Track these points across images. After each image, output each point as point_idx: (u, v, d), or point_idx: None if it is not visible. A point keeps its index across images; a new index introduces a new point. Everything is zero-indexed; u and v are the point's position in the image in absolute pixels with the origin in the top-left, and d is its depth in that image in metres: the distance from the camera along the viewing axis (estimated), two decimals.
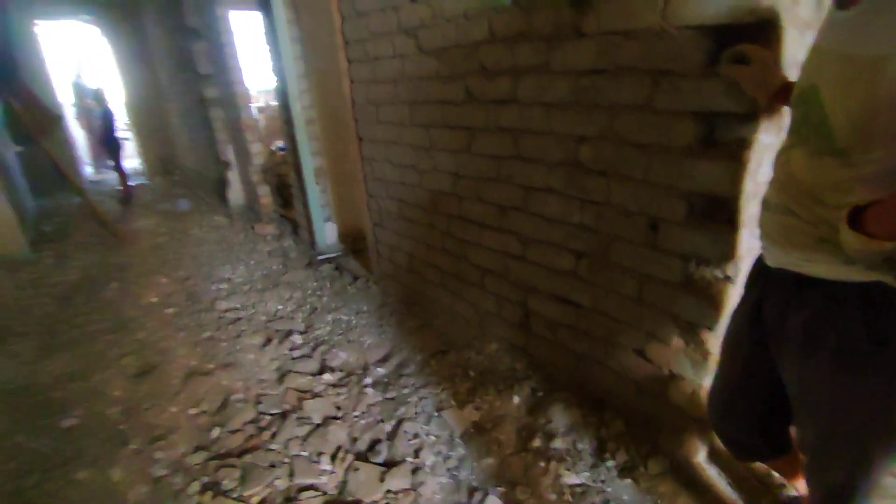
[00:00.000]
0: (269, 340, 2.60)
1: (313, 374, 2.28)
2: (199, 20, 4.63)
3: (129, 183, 6.13)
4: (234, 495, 1.64)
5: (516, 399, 1.95)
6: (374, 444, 1.83)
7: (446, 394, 2.04)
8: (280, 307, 2.98)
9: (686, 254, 1.38)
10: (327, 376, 2.25)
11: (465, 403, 1.97)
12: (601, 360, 1.78)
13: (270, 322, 2.80)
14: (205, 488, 1.68)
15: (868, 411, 0.86)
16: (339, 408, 2.04)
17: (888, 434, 0.87)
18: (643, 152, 1.41)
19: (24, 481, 1.75)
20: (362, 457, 1.78)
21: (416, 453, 1.77)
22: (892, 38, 0.70)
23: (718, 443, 1.37)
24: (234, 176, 5.17)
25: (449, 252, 2.42)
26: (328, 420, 1.96)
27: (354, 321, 2.74)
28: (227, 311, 2.97)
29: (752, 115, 1.16)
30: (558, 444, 1.71)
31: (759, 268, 1.05)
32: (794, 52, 1.13)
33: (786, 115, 1.14)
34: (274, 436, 1.90)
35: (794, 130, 0.92)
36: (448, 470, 1.70)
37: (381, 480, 1.67)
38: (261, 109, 6.76)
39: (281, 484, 1.68)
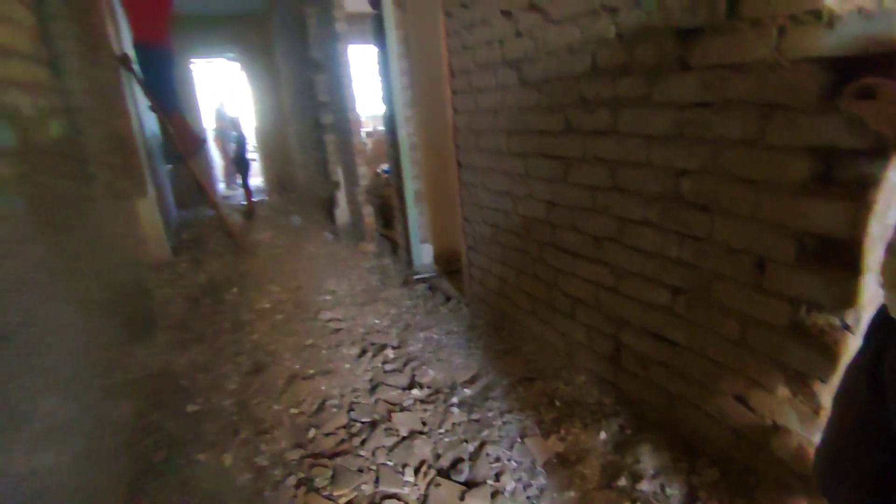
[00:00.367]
0: (364, 352, 2.75)
1: (403, 389, 2.38)
2: (321, 53, 5.13)
3: (253, 199, 6.85)
4: (325, 493, 1.76)
5: (603, 434, 1.89)
6: (457, 462, 1.86)
7: (531, 421, 2.04)
8: (377, 321, 3.15)
9: (796, 297, 1.28)
10: (416, 392, 2.34)
11: (549, 433, 1.95)
12: (696, 403, 1.69)
13: (367, 335, 2.97)
14: (300, 483, 1.82)
15: None
16: (424, 423, 2.11)
17: None
18: (751, 188, 1.34)
19: (156, 456, 2.02)
20: (444, 473, 1.83)
21: (497, 477, 1.78)
22: None
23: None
24: (341, 196, 5.55)
25: (540, 279, 2.42)
26: (414, 434, 2.04)
27: (444, 340, 2.82)
28: (329, 321, 3.19)
29: (878, 152, 1.07)
30: (645, 486, 1.63)
31: (881, 318, 0.96)
32: None
33: None
34: (363, 443, 2.01)
35: None
36: (528, 498, 1.69)
37: (461, 499, 1.69)
38: (368, 134, 7.28)
39: (367, 489, 1.77)
